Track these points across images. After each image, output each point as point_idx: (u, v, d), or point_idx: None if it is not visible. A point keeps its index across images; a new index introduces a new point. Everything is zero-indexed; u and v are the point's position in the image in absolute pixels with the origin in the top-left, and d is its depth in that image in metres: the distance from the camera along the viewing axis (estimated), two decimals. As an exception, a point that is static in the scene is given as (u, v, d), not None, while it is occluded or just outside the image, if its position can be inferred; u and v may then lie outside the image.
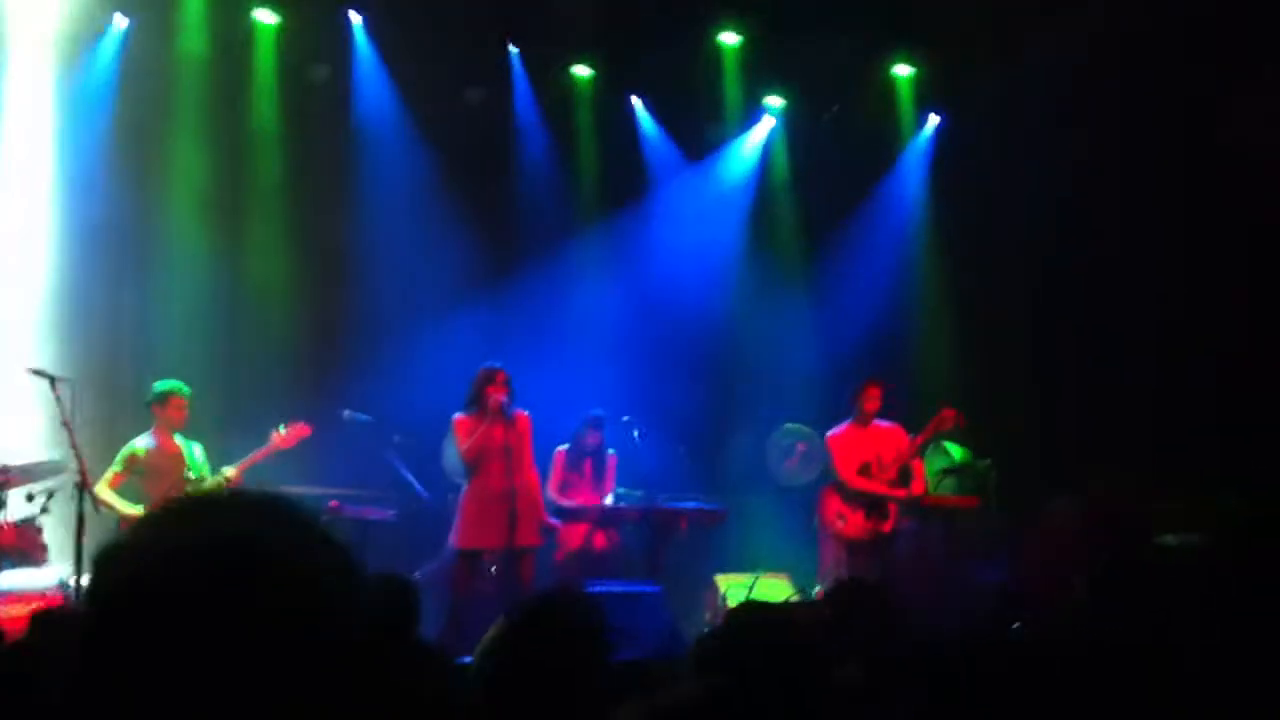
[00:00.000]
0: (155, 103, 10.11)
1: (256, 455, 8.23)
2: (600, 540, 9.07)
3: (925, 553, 9.17)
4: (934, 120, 11.86)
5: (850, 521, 8.75)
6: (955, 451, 9.59)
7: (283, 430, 8.26)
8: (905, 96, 11.89)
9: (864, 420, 8.88)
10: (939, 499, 9.27)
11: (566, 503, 8.91)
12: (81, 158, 9.77)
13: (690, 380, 10.92)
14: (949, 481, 9.43)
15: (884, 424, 8.97)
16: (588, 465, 9.13)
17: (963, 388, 10.49)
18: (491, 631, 3.15)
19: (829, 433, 9.06)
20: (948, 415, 8.80)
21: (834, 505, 8.86)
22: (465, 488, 8.05)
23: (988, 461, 9.33)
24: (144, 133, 10.04)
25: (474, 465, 7.93)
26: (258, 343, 10.02)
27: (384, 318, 10.36)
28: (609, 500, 9.13)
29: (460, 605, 7.93)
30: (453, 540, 8.02)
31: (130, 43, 9.99)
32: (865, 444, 8.85)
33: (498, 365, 8.08)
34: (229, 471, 8.15)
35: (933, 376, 11.06)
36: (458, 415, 8.05)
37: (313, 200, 10.62)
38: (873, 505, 8.74)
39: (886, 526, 8.77)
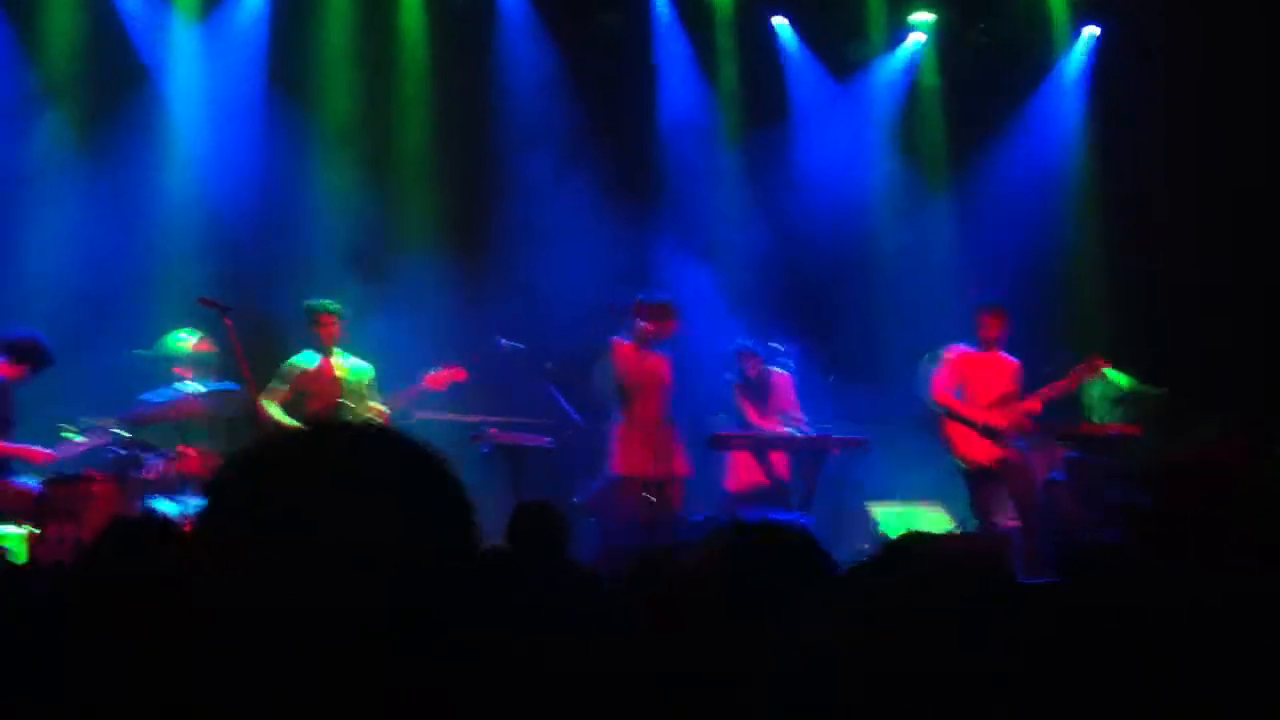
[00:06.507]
0: (306, 33, 10.25)
1: (407, 392, 8.32)
2: (771, 471, 9.09)
3: (1080, 479, 8.94)
4: (1092, 32, 11.43)
5: (978, 445, 8.36)
6: (1120, 379, 9.34)
7: (435, 371, 8.34)
8: (1059, 9, 11.49)
9: (984, 346, 8.44)
10: (1100, 428, 9.04)
11: (725, 430, 8.94)
12: (233, 95, 9.98)
13: (837, 305, 10.83)
14: (1119, 410, 9.19)
15: (1006, 356, 8.55)
16: (761, 395, 9.16)
17: (1124, 311, 10.24)
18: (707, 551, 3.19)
19: (950, 346, 8.63)
20: (1098, 363, 8.44)
21: (962, 429, 8.45)
22: (622, 415, 8.05)
23: (1161, 389, 9.05)
24: (294, 62, 10.21)
25: (633, 392, 7.92)
26: (412, 270, 10.13)
27: (531, 245, 10.39)
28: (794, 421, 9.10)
29: (617, 530, 8.02)
30: (613, 467, 8.06)
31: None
32: (1001, 372, 8.45)
33: (670, 298, 8.06)
34: (378, 406, 8.27)
35: (1090, 300, 10.80)
36: (618, 339, 8.04)
37: (457, 129, 10.69)
38: (1000, 431, 8.35)
39: (1012, 452, 8.36)
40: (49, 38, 9.60)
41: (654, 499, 8.10)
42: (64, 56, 9.56)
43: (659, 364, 7.90)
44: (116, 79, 9.74)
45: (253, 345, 8.17)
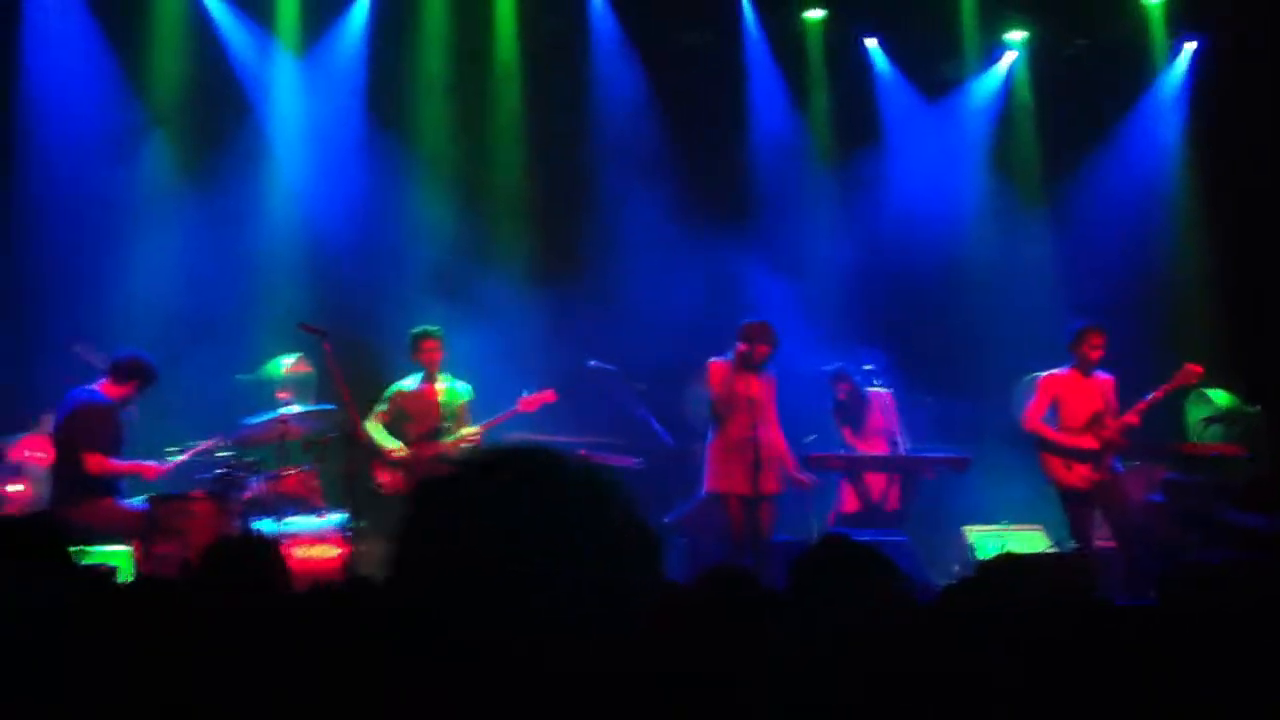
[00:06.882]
0: (402, 64, 10.50)
1: (500, 417, 8.48)
2: (866, 492, 9.08)
3: (1178, 499, 8.75)
4: (1190, 47, 11.24)
5: (1075, 470, 8.21)
6: (1219, 398, 9.14)
7: (528, 395, 8.46)
8: (1157, 23, 11.31)
9: (1085, 368, 8.31)
10: (1201, 447, 8.84)
11: (815, 453, 8.94)
12: (332, 125, 10.25)
13: (932, 326, 10.73)
14: (1215, 429, 8.99)
15: (1100, 374, 8.37)
16: (857, 417, 9.18)
17: (1225, 329, 10.01)
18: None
19: (1042, 374, 8.47)
20: (1193, 371, 8.25)
21: (1055, 455, 8.28)
22: (715, 434, 8.07)
23: (1257, 408, 8.84)
24: (391, 93, 10.46)
25: (725, 411, 7.94)
26: (505, 292, 10.23)
27: (622, 265, 10.45)
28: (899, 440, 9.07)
29: (706, 548, 8.02)
30: (704, 484, 8.09)
31: (378, 6, 10.43)
32: (1092, 392, 8.32)
33: (767, 321, 8.07)
34: (468, 430, 8.40)
35: (1191, 317, 10.59)
36: (713, 359, 8.08)
37: (549, 152, 10.83)
38: (1093, 453, 8.18)
39: (1108, 474, 8.18)
40: (156, 70, 9.94)
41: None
42: (171, 88, 9.90)
43: (753, 384, 7.89)
44: (221, 110, 10.04)
45: (351, 368, 8.35)
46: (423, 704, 1.34)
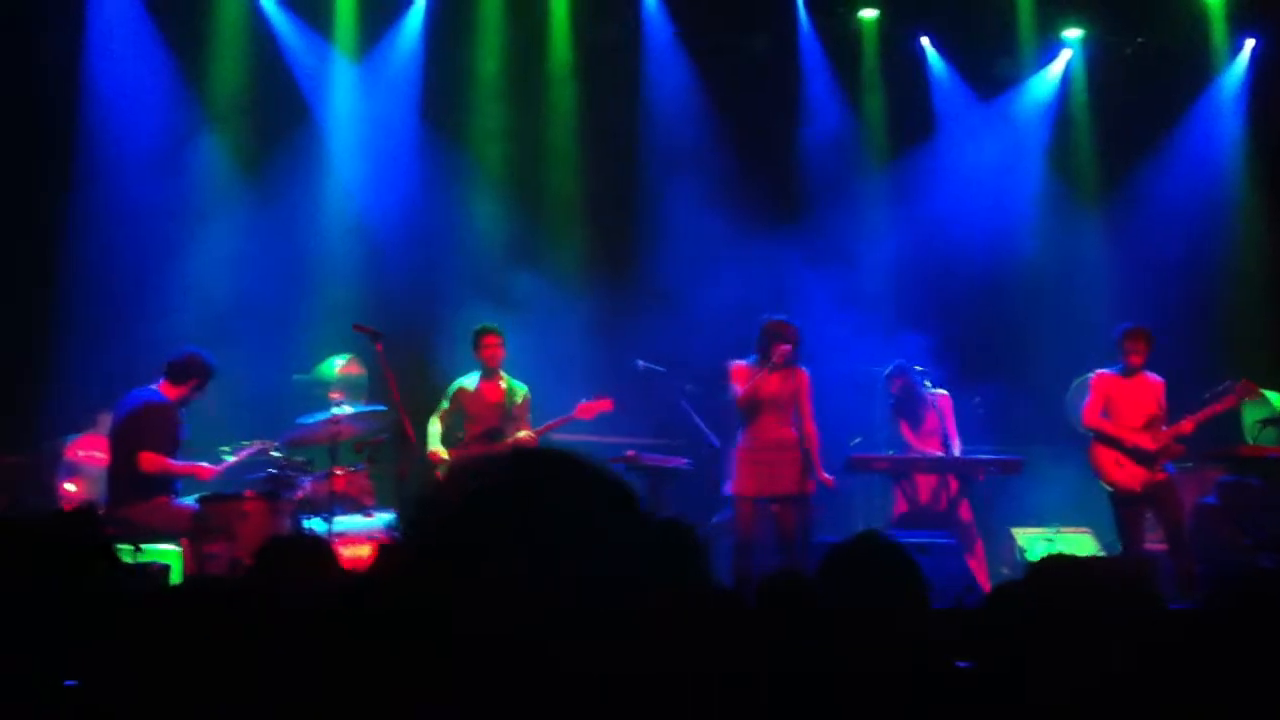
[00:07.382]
0: (458, 69, 10.59)
1: (556, 421, 8.50)
2: (914, 493, 9.03)
3: (1233, 503, 8.64)
4: (1250, 45, 11.05)
5: (1127, 469, 8.10)
6: (1277, 400, 8.99)
7: (586, 402, 8.49)
8: (1217, 20, 11.14)
9: (1127, 370, 8.19)
10: (1258, 450, 8.70)
11: (860, 454, 8.89)
12: (388, 129, 10.37)
13: (985, 326, 10.64)
14: (1271, 431, 8.84)
15: (1151, 377, 8.26)
16: (915, 416, 9.14)
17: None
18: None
19: (1093, 373, 8.39)
20: (1251, 388, 8.09)
21: (1110, 453, 8.18)
22: (739, 436, 8.01)
23: (1315, 412, 8.70)
24: (446, 98, 10.55)
25: (747, 413, 7.89)
26: (557, 293, 10.27)
27: (673, 267, 10.47)
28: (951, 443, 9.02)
29: (736, 550, 7.95)
30: (727, 487, 8.06)
31: (435, 13, 10.56)
32: (1143, 395, 8.18)
33: (785, 319, 8.01)
34: (523, 434, 8.43)
35: (1248, 320, 10.42)
36: (734, 362, 8.04)
37: (603, 154, 10.88)
38: (1150, 455, 8.06)
39: (1161, 475, 8.08)
40: (216, 74, 10.10)
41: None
42: (228, 90, 10.06)
43: (780, 383, 7.82)
44: (278, 114, 10.19)
45: (402, 370, 8.42)
46: (441, 703, 1.37)
